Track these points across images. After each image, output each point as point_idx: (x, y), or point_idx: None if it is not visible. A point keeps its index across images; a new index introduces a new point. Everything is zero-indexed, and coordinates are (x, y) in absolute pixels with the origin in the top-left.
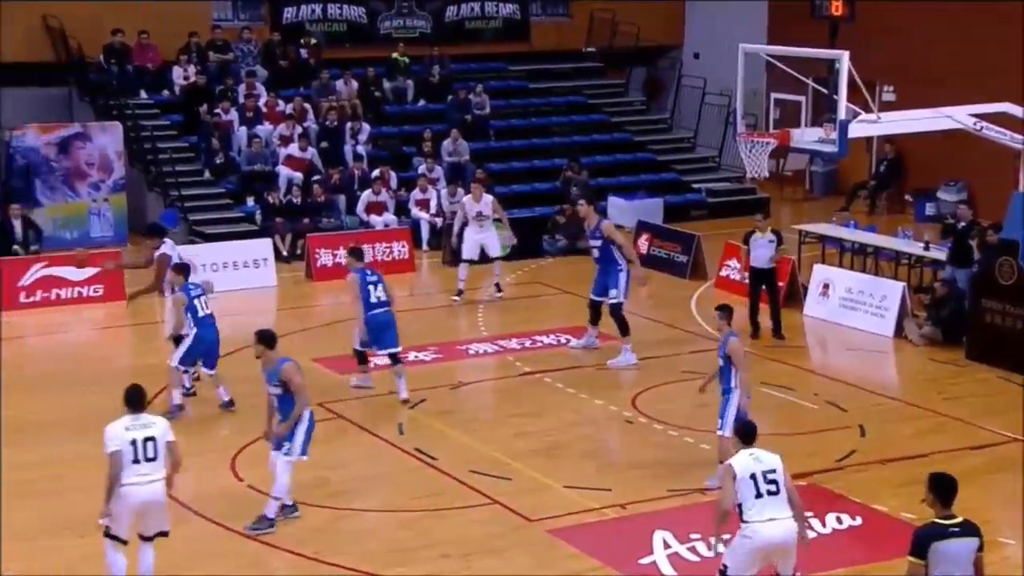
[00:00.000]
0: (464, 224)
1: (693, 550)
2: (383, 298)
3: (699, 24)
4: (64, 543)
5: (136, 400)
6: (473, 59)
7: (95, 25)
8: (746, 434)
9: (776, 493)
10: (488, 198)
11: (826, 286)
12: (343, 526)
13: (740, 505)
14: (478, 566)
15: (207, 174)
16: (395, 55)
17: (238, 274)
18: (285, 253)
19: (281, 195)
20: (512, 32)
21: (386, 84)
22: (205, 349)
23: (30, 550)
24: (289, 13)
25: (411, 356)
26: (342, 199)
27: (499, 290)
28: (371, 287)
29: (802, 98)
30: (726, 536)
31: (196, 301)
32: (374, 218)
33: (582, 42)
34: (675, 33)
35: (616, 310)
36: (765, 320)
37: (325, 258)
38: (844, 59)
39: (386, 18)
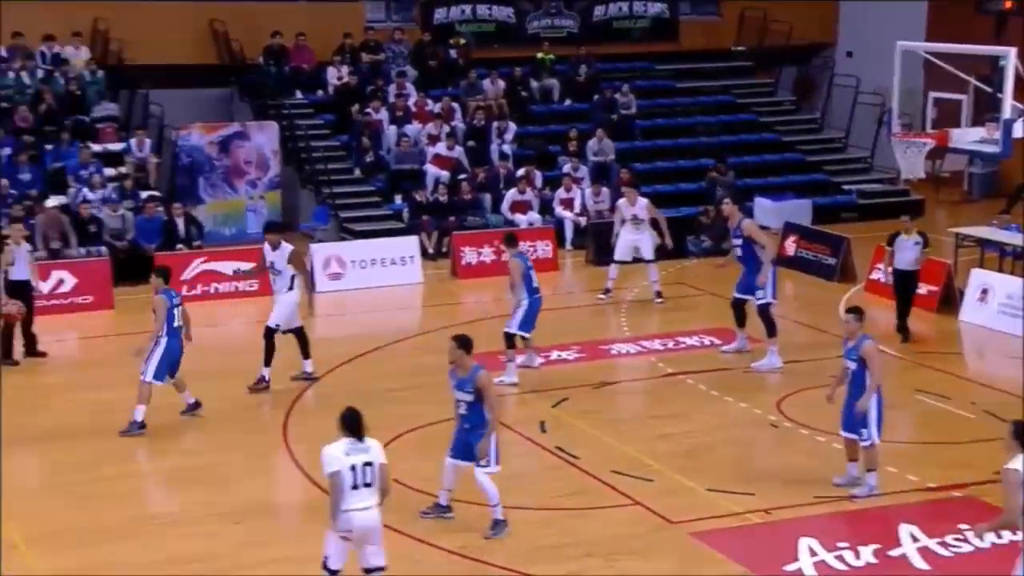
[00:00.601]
0: (622, 224)
1: (840, 559)
2: (538, 285)
3: (854, 22)
4: (224, 528)
5: (354, 424)
6: (620, 58)
7: (256, 27)
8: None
9: None
10: (643, 201)
11: (984, 292)
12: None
13: None
14: (620, 566)
15: (357, 172)
16: (540, 55)
17: (385, 271)
18: (431, 250)
19: (428, 193)
20: (660, 31)
21: (533, 83)
22: (173, 360)
23: (194, 534)
24: (440, 14)
25: (553, 355)
26: (488, 197)
27: (659, 297)
28: (532, 272)
29: (963, 97)
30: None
31: (175, 310)
32: (519, 217)
33: (731, 41)
34: (828, 31)
35: (764, 310)
36: (917, 325)
37: (470, 256)
38: (1011, 56)
39: (534, 18)
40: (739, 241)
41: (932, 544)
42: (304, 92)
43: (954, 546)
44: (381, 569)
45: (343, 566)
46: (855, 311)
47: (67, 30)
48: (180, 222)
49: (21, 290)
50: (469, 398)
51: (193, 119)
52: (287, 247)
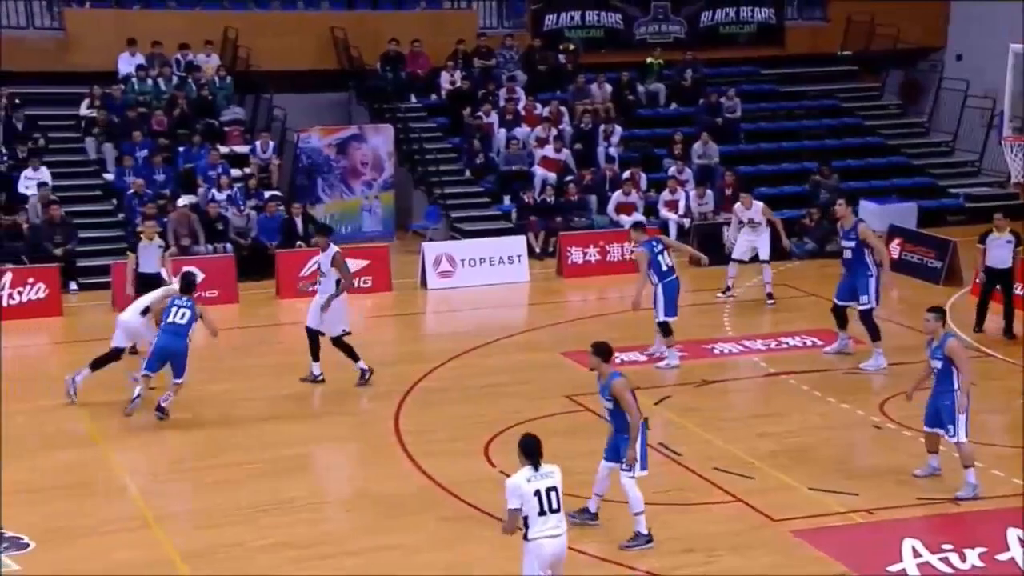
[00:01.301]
0: (740, 226)
1: (946, 561)
2: (672, 264)
3: (964, 24)
4: (336, 515)
5: (533, 451)
6: (726, 63)
7: (374, 34)
8: None
9: None
10: (759, 205)
11: None
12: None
13: None
14: (721, 562)
15: (468, 174)
16: (650, 59)
17: (494, 269)
18: (538, 250)
19: (536, 194)
20: (766, 36)
21: (639, 87)
22: (158, 355)
23: (307, 520)
24: (550, 20)
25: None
26: (594, 199)
27: (771, 299)
28: (660, 256)
29: None
30: None
31: (173, 308)
32: (624, 218)
33: (838, 45)
34: (937, 34)
35: (867, 316)
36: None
37: (576, 256)
38: None
39: (642, 23)
40: (851, 243)
41: None
42: (418, 96)
43: None
44: None
45: None
46: (936, 310)
47: (200, 39)
48: (299, 221)
49: (151, 283)
50: (609, 405)
51: (313, 122)
52: (333, 249)
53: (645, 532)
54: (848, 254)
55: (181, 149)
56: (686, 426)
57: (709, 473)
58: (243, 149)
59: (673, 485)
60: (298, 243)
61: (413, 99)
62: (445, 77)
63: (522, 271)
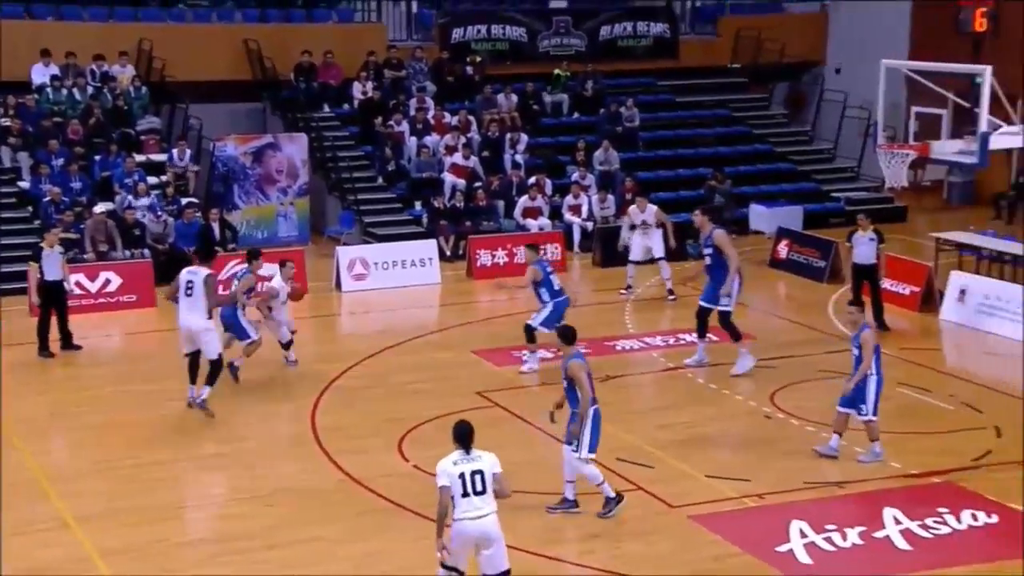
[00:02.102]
0: (632, 228)
1: (829, 540)
2: (561, 286)
3: (841, 40)
4: (257, 510)
5: (462, 436)
6: (625, 75)
7: (287, 46)
8: None
9: None
10: (652, 208)
11: (963, 292)
12: (500, 506)
13: None
14: (624, 548)
15: (380, 180)
16: (557, 71)
17: (406, 272)
18: (448, 253)
19: (446, 200)
20: (662, 49)
21: (545, 97)
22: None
23: (229, 516)
24: (457, 33)
25: None
26: (501, 204)
27: (672, 295)
28: (552, 276)
29: (943, 111)
30: None
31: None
32: (530, 222)
33: (728, 58)
34: (818, 50)
35: (726, 318)
36: (900, 323)
37: (485, 258)
38: (987, 73)
39: (545, 37)
40: (709, 251)
41: (913, 526)
42: (331, 106)
43: (933, 528)
44: (506, 573)
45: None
46: (856, 303)
47: (114, 50)
48: (216, 226)
49: (54, 290)
50: (565, 384)
51: (229, 131)
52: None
53: (572, 498)
54: (708, 260)
55: (97, 158)
56: None
57: (613, 463)
58: (160, 157)
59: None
60: (215, 248)
61: (326, 109)
62: (357, 87)
63: (433, 273)
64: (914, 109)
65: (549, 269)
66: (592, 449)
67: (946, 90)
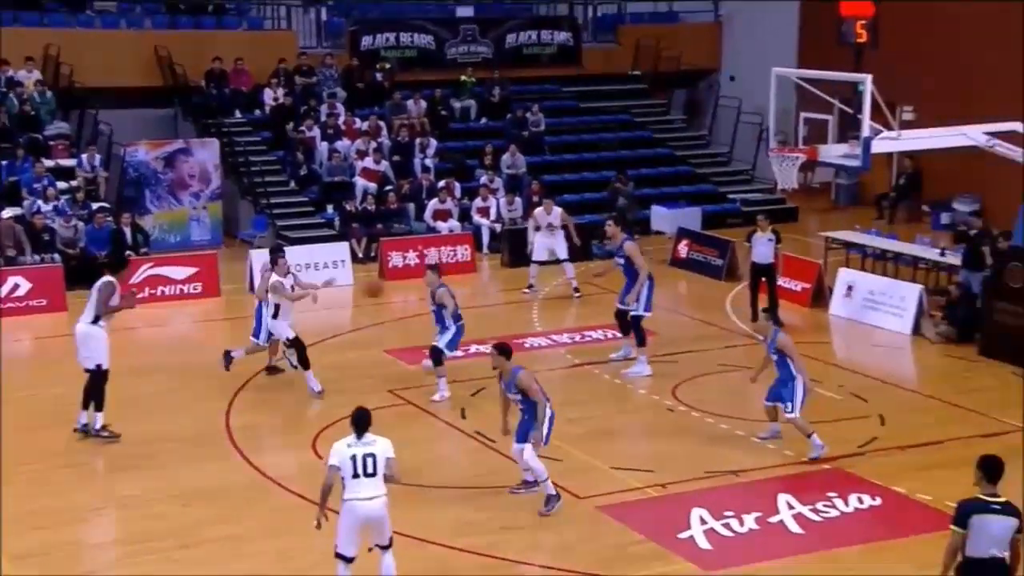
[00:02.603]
0: (537, 230)
1: (727, 526)
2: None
3: (735, 50)
4: (172, 510)
5: (358, 421)
6: (530, 81)
7: (198, 52)
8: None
9: None
10: (558, 210)
11: (850, 288)
12: (413, 500)
13: None
14: (534, 538)
15: (292, 184)
16: (463, 78)
17: (319, 274)
18: (360, 255)
19: (358, 203)
20: (565, 57)
21: (453, 103)
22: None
23: (144, 516)
24: (366, 41)
25: (472, 348)
26: (412, 207)
27: (577, 292)
28: (455, 300)
29: (829, 117)
30: None
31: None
32: (440, 224)
33: (629, 66)
34: (713, 58)
35: (636, 322)
36: (792, 318)
37: (396, 259)
38: (868, 82)
39: (452, 45)
40: (621, 259)
41: (805, 511)
42: (243, 112)
43: (823, 512)
44: (389, 546)
45: (351, 550)
46: (768, 312)
47: (19, 55)
48: (128, 231)
49: None
50: (518, 397)
51: (140, 137)
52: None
53: (555, 492)
54: (620, 268)
55: (4, 163)
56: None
57: None
58: (69, 162)
59: (488, 469)
60: (127, 252)
61: (238, 114)
62: (268, 94)
63: (346, 274)
64: (803, 115)
65: (452, 291)
66: (545, 443)
67: (832, 97)
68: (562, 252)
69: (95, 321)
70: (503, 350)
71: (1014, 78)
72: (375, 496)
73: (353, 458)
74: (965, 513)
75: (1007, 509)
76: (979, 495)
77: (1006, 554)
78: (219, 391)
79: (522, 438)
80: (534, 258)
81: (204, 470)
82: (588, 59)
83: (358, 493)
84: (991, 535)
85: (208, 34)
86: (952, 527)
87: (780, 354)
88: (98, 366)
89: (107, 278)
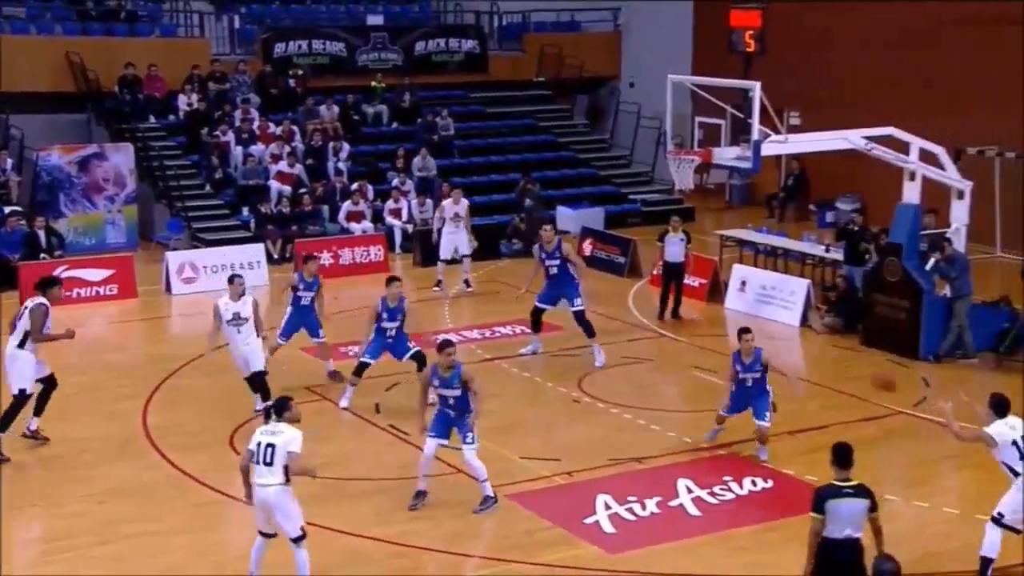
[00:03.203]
0: (442, 224)
1: (630, 510)
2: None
3: (634, 57)
4: (89, 509)
5: (272, 408)
6: (439, 87)
7: (110, 59)
8: None
9: None
10: (465, 202)
11: (743, 283)
12: (329, 493)
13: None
14: (445, 527)
15: (208, 188)
16: (374, 83)
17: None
18: (276, 256)
19: (272, 206)
20: (472, 64)
21: (365, 108)
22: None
23: (62, 515)
24: (279, 48)
25: None
26: (326, 209)
27: (468, 285)
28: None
29: (722, 121)
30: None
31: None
32: (353, 225)
33: (533, 73)
34: (613, 65)
35: (581, 316)
36: (690, 312)
37: None
38: (756, 89)
39: (363, 52)
40: (556, 261)
41: (703, 494)
42: (157, 117)
43: (720, 495)
44: (297, 540)
45: (265, 528)
46: (748, 330)
47: None
48: (41, 234)
49: None
50: (458, 392)
51: (53, 141)
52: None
53: (492, 495)
54: (554, 270)
55: None
56: (413, 408)
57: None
58: None
59: (402, 462)
60: (42, 255)
61: (152, 119)
62: (182, 99)
63: (261, 275)
64: (698, 119)
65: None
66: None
67: (724, 103)
68: (464, 248)
69: (21, 344)
70: (444, 345)
71: (889, 87)
72: (269, 484)
73: (258, 445)
74: (821, 499)
75: (859, 492)
76: (833, 481)
77: (860, 534)
78: (135, 390)
79: (443, 433)
80: (441, 256)
81: (122, 468)
82: (494, 66)
83: (258, 478)
84: (845, 517)
85: (120, 41)
86: (812, 514)
87: (764, 370)
88: (21, 391)
89: (39, 300)
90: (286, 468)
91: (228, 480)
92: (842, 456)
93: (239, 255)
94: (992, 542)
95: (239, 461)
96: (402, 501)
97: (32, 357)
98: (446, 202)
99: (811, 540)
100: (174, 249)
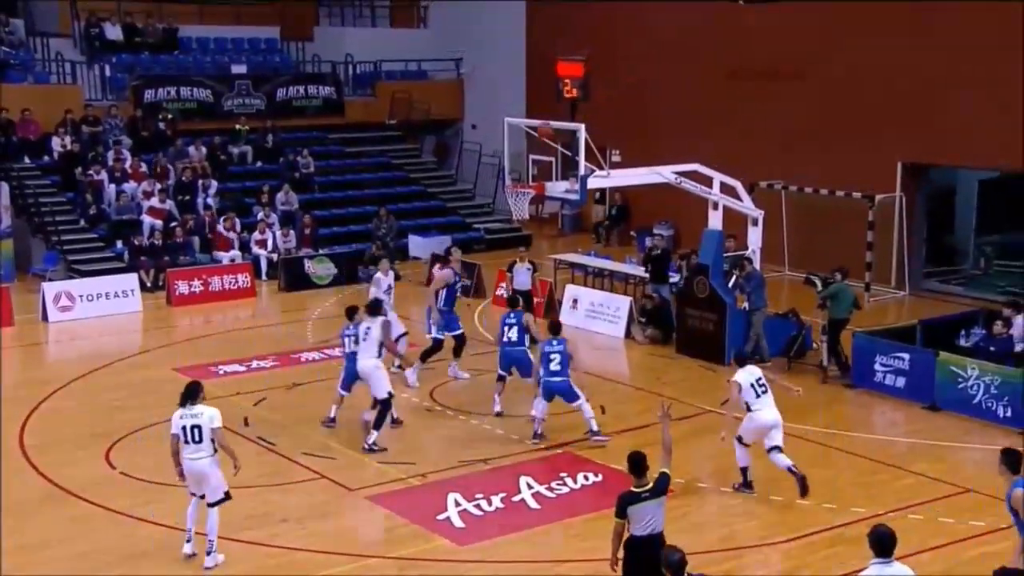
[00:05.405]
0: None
1: (478, 506)
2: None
3: (475, 102)
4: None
5: (185, 394)
6: (299, 129)
7: None
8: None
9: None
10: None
11: (575, 301)
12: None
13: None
14: (311, 527)
15: (83, 223)
16: (238, 126)
17: (109, 302)
18: (149, 284)
19: (145, 239)
20: (330, 108)
21: (231, 149)
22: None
23: None
24: (149, 94)
25: (254, 364)
26: (196, 240)
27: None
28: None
29: (552, 158)
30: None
31: (345, 338)
32: (222, 254)
33: (386, 116)
34: (457, 109)
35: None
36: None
37: (182, 287)
38: (582, 130)
39: (228, 98)
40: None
41: (542, 489)
42: (32, 158)
43: (557, 489)
44: (220, 501)
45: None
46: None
47: None
48: None
49: None
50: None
51: None
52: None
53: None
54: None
55: None
56: (279, 421)
57: (299, 457)
58: None
59: (270, 470)
60: None
61: (27, 160)
62: (56, 141)
63: (135, 303)
64: (532, 157)
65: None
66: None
67: (555, 142)
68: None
69: None
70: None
71: (695, 128)
72: (201, 457)
73: (183, 428)
74: (622, 506)
75: (654, 492)
76: (632, 488)
77: (662, 528)
78: (13, 415)
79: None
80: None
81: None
82: (350, 110)
83: (188, 454)
84: (646, 518)
85: None
86: (615, 518)
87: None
88: None
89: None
90: (213, 441)
91: (104, 493)
92: (635, 464)
93: (113, 284)
94: (741, 455)
95: (169, 446)
96: (269, 505)
97: None
98: (377, 276)
99: (614, 541)
100: (50, 280)
